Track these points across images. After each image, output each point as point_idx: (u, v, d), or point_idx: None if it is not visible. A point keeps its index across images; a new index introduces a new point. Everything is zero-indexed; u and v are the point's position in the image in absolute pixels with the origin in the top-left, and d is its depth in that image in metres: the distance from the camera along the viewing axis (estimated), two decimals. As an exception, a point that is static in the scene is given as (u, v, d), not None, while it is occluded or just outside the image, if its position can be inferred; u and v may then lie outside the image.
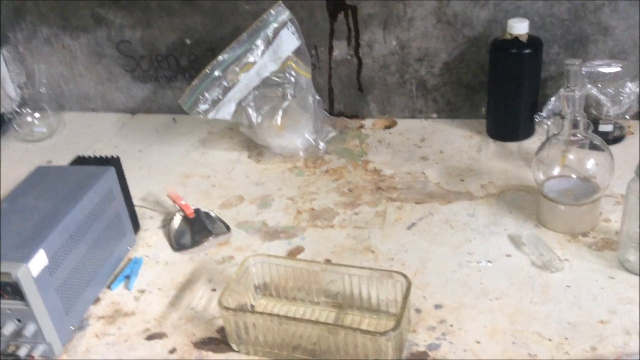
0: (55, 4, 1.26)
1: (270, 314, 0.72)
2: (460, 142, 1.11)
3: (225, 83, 1.08)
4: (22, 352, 0.72)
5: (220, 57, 1.08)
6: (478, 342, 0.71)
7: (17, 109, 1.26)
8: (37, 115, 1.26)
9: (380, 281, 0.74)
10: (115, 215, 0.88)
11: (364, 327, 0.74)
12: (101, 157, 0.91)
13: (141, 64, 1.29)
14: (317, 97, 1.13)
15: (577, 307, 0.74)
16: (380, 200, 0.98)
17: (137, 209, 0.96)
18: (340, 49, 1.18)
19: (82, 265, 0.79)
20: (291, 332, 0.70)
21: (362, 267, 0.75)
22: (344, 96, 1.22)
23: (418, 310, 0.76)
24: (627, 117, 1.05)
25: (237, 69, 1.07)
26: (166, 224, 0.97)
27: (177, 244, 0.92)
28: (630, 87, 1.01)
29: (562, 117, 0.84)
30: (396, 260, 0.85)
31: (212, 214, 0.96)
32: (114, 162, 0.90)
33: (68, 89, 1.35)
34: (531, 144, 1.07)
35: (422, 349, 0.71)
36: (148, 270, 0.88)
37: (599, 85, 1.02)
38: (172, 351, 0.74)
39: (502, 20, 1.05)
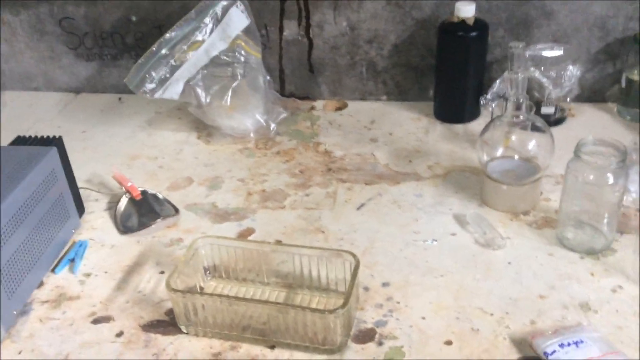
0: (-8, -23, 1.20)
1: (219, 295, 0.72)
2: (409, 124, 1.13)
3: (172, 62, 1.05)
4: (-39, 338, 0.69)
5: (167, 35, 1.05)
6: (423, 318, 0.73)
7: (-48, 87, 1.20)
8: (-26, 94, 1.21)
9: (329, 260, 0.74)
10: (59, 198, 0.85)
11: (313, 306, 0.74)
12: (43, 137, 0.88)
13: (85, 41, 1.24)
14: (268, 78, 1.12)
15: (518, 283, 0.77)
16: (330, 181, 0.99)
17: (81, 191, 0.93)
18: (291, 29, 1.17)
19: (24, 249, 0.77)
20: (241, 313, 0.71)
21: (312, 247, 0.76)
22: (295, 77, 1.22)
23: (366, 289, 0.77)
24: (569, 99, 1.08)
25: (185, 48, 1.05)
26: (112, 206, 0.95)
27: (124, 227, 0.90)
28: (572, 70, 1.05)
29: (506, 99, 0.86)
30: (346, 240, 0.86)
31: (160, 196, 0.95)
32: (57, 143, 0.87)
33: (8, 67, 1.29)
34: (477, 126, 1.10)
35: (370, 325, 0.72)
36: (93, 253, 0.86)
37: (542, 68, 1.05)
38: (120, 334, 0.73)
39: (450, 3, 1.07)
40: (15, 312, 0.75)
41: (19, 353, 0.71)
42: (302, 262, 0.76)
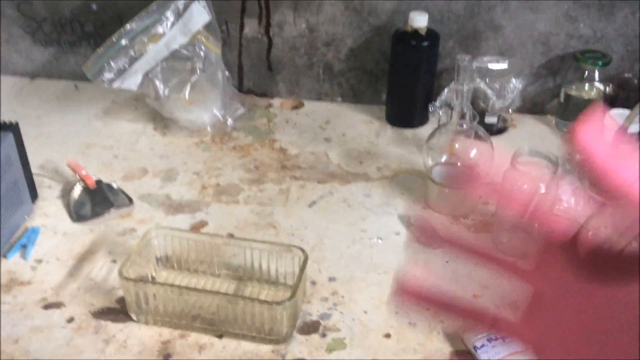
0: (-53, -45, 1.18)
1: (170, 285, 0.75)
2: (362, 126, 1.18)
3: (132, 53, 1.07)
4: None
5: (128, 26, 1.06)
6: (365, 312, 0.77)
7: None
8: None
9: (279, 255, 0.78)
10: (12, 183, 0.86)
11: (262, 298, 0.78)
12: (-2, 123, 0.89)
13: (43, 26, 1.23)
14: (227, 74, 1.14)
15: (454, 282, 0.82)
16: (284, 178, 1.02)
17: (35, 178, 0.94)
18: (251, 27, 1.20)
19: (-25, 234, 0.77)
20: (191, 303, 0.73)
21: (263, 242, 0.79)
22: (254, 74, 1.25)
23: (313, 283, 0.81)
24: (511, 110, 1.15)
25: (145, 39, 1.07)
26: (65, 194, 0.95)
27: (77, 215, 0.91)
28: (515, 83, 1.11)
29: (451, 108, 0.92)
30: (296, 235, 0.90)
31: (114, 186, 0.97)
32: (12, 128, 0.88)
33: (-40, 48, 1.27)
34: (425, 131, 1.14)
35: (315, 318, 0.76)
36: (46, 240, 0.87)
37: (487, 79, 1.11)
38: (70, 320, 0.75)
39: (405, 12, 1.11)
40: (-36, 296, 0.76)
41: (-32, 336, 0.72)
42: (252, 256, 0.79)
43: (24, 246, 0.85)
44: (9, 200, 0.85)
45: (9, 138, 0.85)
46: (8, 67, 1.28)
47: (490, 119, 1.13)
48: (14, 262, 0.83)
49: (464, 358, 0.72)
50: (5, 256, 0.84)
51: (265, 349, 0.72)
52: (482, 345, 0.71)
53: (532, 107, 1.21)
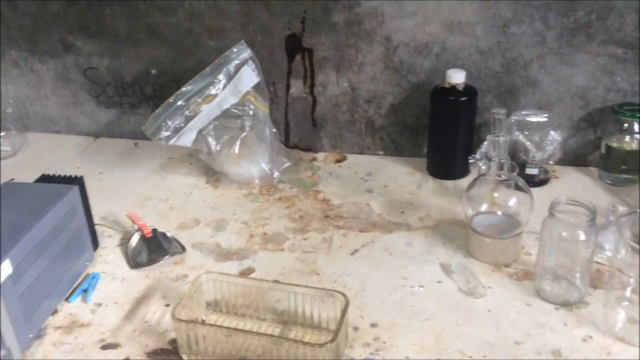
0: (26, 29, 1.31)
1: (219, 326, 0.79)
2: (403, 178, 1.21)
3: (187, 112, 1.15)
4: (-19, 357, 0.76)
5: (184, 88, 1.15)
6: (407, 358, 0.79)
7: (-19, 127, 1.30)
8: (1, 134, 1.30)
9: (322, 300, 0.81)
10: (77, 232, 0.93)
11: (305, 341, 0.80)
12: (65, 176, 0.97)
13: (107, 90, 1.35)
14: (274, 130, 1.21)
15: (496, 329, 0.83)
16: (327, 227, 1.06)
17: (97, 227, 1.01)
18: (297, 87, 1.27)
19: (43, 277, 0.84)
20: (238, 344, 0.77)
21: (306, 286, 0.82)
22: (299, 130, 1.31)
23: (356, 328, 0.84)
24: (551, 162, 1.17)
25: (199, 100, 1.15)
26: (124, 242, 1.02)
27: (134, 262, 0.97)
28: (554, 135, 1.13)
29: (490, 160, 0.95)
30: (339, 282, 0.92)
31: (169, 235, 1.02)
32: (78, 182, 0.96)
33: (33, 111, 1.39)
34: (466, 182, 1.17)
35: (356, 362, 0.78)
36: (105, 285, 0.93)
37: (526, 132, 1.13)
38: (126, 360, 0.79)
39: (443, 69, 1.17)
40: (31, 336, 0.81)
41: (32, 373, 0.77)
42: (296, 300, 0.82)
43: (85, 291, 0.91)
44: (73, 248, 0.92)
45: (75, 191, 0.93)
46: (74, 127, 1.40)
47: (531, 171, 1.15)
48: (75, 305, 0.89)
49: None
50: (67, 300, 0.89)
51: (308, 390, 0.74)
52: (524, 391, 0.71)
53: (574, 159, 1.23)
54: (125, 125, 1.37)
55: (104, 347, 0.81)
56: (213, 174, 1.22)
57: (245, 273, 0.95)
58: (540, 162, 1.15)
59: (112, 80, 1.33)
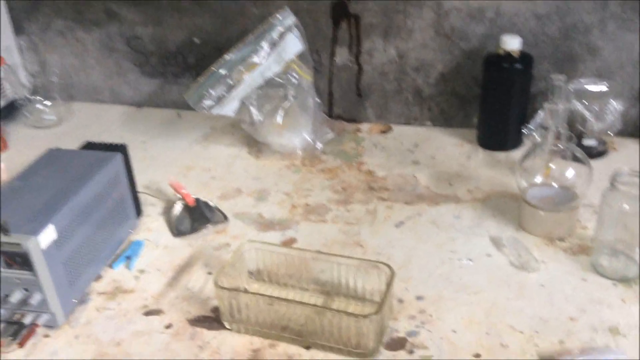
0: (71, -2, 1.31)
1: (262, 295, 0.77)
2: (451, 149, 1.17)
3: (230, 81, 1.13)
4: (27, 319, 0.76)
5: (226, 57, 1.13)
6: (454, 332, 0.76)
7: (28, 96, 1.31)
8: (47, 103, 1.32)
9: (366, 271, 0.79)
10: (120, 199, 0.92)
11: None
12: (109, 144, 0.96)
13: (150, 59, 1.34)
14: (317, 100, 1.18)
15: (549, 304, 0.79)
16: (371, 199, 1.03)
17: (140, 195, 1.01)
18: (342, 55, 1.23)
19: (87, 243, 0.84)
20: (281, 313, 0.75)
21: (350, 257, 0.80)
22: (343, 100, 1.28)
23: (401, 301, 0.81)
24: (611, 133, 1.10)
25: (242, 69, 1.13)
26: (167, 211, 1.01)
27: (177, 230, 0.97)
28: (614, 105, 1.07)
29: (546, 129, 0.89)
30: (383, 254, 0.90)
31: (211, 204, 1.01)
32: (121, 149, 0.95)
33: (78, 80, 1.40)
34: (519, 154, 1.12)
35: (402, 335, 0.75)
36: (148, 252, 0.93)
37: (585, 102, 1.07)
38: (169, 326, 0.78)
39: (497, 35, 1.11)
40: (74, 301, 0.82)
41: (76, 337, 0.78)
42: (340, 271, 0.80)
43: (129, 257, 0.91)
44: (116, 215, 0.92)
45: (118, 158, 0.92)
46: (118, 97, 1.40)
47: (589, 142, 1.09)
48: (119, 272, 0.89)
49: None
50: (111, 266, 0.90)
51: (352, 362, 0.72)
52: (580, 370, 0.67)
53: (634, 130, 1.16)
54: (168, 95, 1.37)
55: (147, 313, 0.81)
56: (255, 144, 1.20)
57: (288, 243, 0.93)
58: (599, 133, 1.09)
59: (156, 50, 1.32)
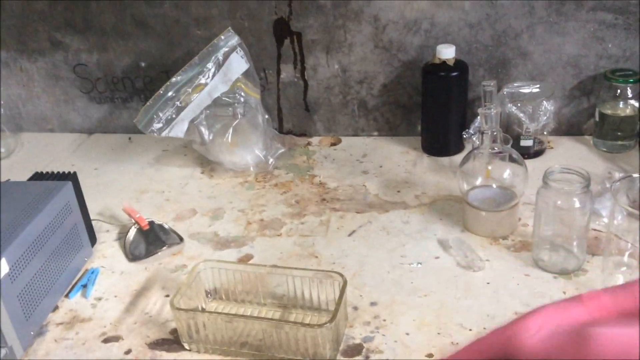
0: (13, 28, 1.30)
1: (218, 313, 0.79)
2: (398, 157, 1.21)
3: (178, 103, 1.14)
4: (-16, 356, 0.76)
5: (173, 79, 1.15)
6: (407, 334, 0.79)
7: (-26, 129, 1.30)
8: (-6, 135, 1.31)
9: (320, 281, 0.81)
10: (73, 228, 0.93)
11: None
12: (58, 173, 0.97)
13: (97, 85, 1.34)
14: (267, 116, 1.21)
15: (495, 301, 0.83)
16: (324, 210, 1.06)
17: (94, 223, 1.01)
18: (287, 72, 1.26)
19: (41, 274, 0.84)
20: (239, 330, 0.77)
21: (304, 269, 0.83)
22: (292, 115, 1.31)
23: (355, 308, 0.84)
24: (546, 132, 1.16)
25: (190, 90, 1.14)
26: (122, 236, 1.02)
27: (132, 255, 0.97)
28: (547, 105, 1.13)
29: (482, 133, 0.94)
30: (337, 264, 0.93)
31: (166, 226, 1.02)
32: (71, 177, 0.95)
33: (25, 110, 1.39)
34: (460, 158, 1.17)
35: (357, 341, 0.78)
36: (104, 279, 0.93)
37: (519, 104, 1.13)
38: (128, 352, 0.79)
39: (433, 45, 1.16)
40: (32, 333, 0.82)
41: (36, 370, 0.78)
42: (295, 284, 0.82)
43: (85, 286, 0.91)
44: (70, 244, 0.92)
45: (68, 187, 0.93)
46: (67, 125, 1.39)
47: (526, 142, 1.15)
48: (75, 301, 0.89)
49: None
50: (67, 296, 0.90)
51: (310, 371, 0.74)
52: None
53: (569, 128, 1.22)
54: (118, 120, 1.37)
55: (106, 341, 0.82)
56: (208, 164, 1.22)
57: (244, 260, 0.95)
58: (535, 133, 1.15)
59: (103, 76, 1.33)
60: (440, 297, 0.84)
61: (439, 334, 0.79)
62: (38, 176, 0.97)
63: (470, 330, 0.79)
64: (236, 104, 1.16)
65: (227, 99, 1.16)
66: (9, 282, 0.77)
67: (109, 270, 0.95)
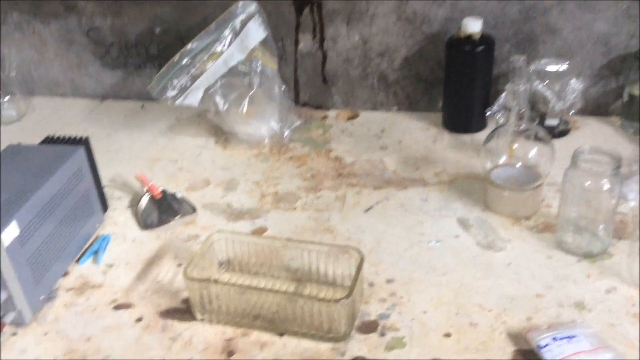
0: (27, -10, 1.28)
1: (232, 284, 0.77)
2: (418, 133, 1.18)
3: (193, 71, 1.12)
4: (-7, 319, 0.75)
5: (188, 46, 1.12)
6: (424, 312, 0.77)
7: (-15, 92, 1.28)
8: (6, 98, 1.28)
9: (336, 256, 0.79)
10: (84, 194, 0.91)
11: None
12: (70, 138, 0.94)
13: (111, 51, 1.31)
14: (283, 87, 1.17)
15: (516, 282, 0.81)
16: (340, 185, 1.03)
17: (105, 190, 0.99)
18: (306, 42, 1.23)
19: (52, 239, 0.82)
20: (252, 302, 0.75)
21: (320, 243, 0.80)
22: (309, 87, 1.27)
23: (371, 284, 0.82)
24: (572, 112, 1.12)
25: (205, 58, 1.11)
26: (134, 204, 1.00)
27: (144, 223, 0.95)
28: (574, 84, 1.09)
29: (508, 110, 0.91)
30: (353, 239, 0.90)
31: (179, 195, 1.00)
32: (83, 143, 0.93)
33: (38, 74, 1.37)
34: (483, 136, 1.13)
35: (373, 318, 0.76)
36: (116, 246, 0.91)
37: (546, 82, 1.09)
38: (139, 320, 0.78)
39: (458, 18, 1.12)
40: (42, 298, 0.80)
41: (45, 334, 0.76)
42: (310, 258, 0.80)
43: (96, 252, 0.90)
44: (82, 210, 0.90)
45: (80, 152, 0.90)
46: (80, 90, 1.37)
47: (551, 122, 1.11)
48: (86, 267, 0.88)
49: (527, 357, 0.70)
50: (78, 262, 0.88)
51: (325, 347, 0.72)
52: (547, 345, 0.69)
53: (595, 108, 1.18)
54: (131, 87, 1.34)
55: (117, 307, 0.80)
56: (222, 134, 1.19)
57: (258, 232, 0.93)
58: (561, 112, 1.11)
59: (116, 41, 1.30)
60: (460, 277, 0.82)
61: (457, 314, 0.76)
62: (50, 140, 0.95)
63: (490, 311, 0.76)
64: (252, 74, 1.13)
65: (243, 68, 1.13)
66: (19, 246, 0.75)
67: (121, 237, 0.93)
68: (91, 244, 0.91)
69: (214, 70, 1.12)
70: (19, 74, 1.33)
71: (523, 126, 0.91)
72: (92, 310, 0.80)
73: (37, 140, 0.96)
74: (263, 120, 1.16)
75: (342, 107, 1.28)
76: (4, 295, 0.74)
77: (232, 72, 1.13)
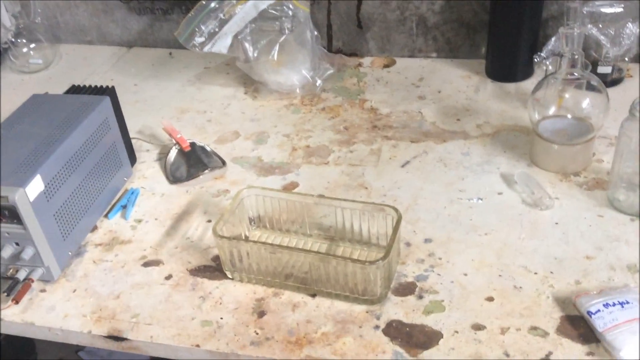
0: None
1: (263, 243, 0.74)
2: (459, 82, 1.11)
3: (221, 15, 1.06)
4: (21, 275, 0.73)
5: (217, -12, 1.06)
6: (465, 274, 0.73)
7: (12, 39, 1.24)
8: (32, 46, 1.25)
9: (371, 215, 0.75)
10: (111, 146, 0.88)
11: (354, 258, 0.75)
12: (96, 87, 0.91)
13: (137, -5, 1.26)
14: (316, 33, 1.11)
15: (564, 243, 0.76)
16: (375, 138, 0.98)
17: (133, 141, 0.96)
18: (340, -16, 1.16)
19: (79, 193, 0.80)
20: (284, 261, 0.72)
21: (354, 201, 0.76)
22: (343, 33, 1.21)
23: (408, 244, 0.78)
24: (627, 59, 1.04)
25: (234, 1, 1.06)
26: (162, 156, 0.97)
27: (173, 177, 0.93)
28: (631, 28, 1.00)
29: (561, 56, 0.83)
30: (389, 196, 0.86)
31: (208, 148, 0.97)
32: (109, 92, 0.90)
33: (63, 20, 1.33)
34: (530, 85, 1.07)
35: (410, 279, 0.73)
36: (145, 201, 0.89)
37: (600, 25, 1.00)
38: (168, 277, 0.76)
39: (506, -44, 1.03)
40: (70, 253, 0.79)
41: (74, 291, 0.75)
42: (344, 216, 0.76)
43: (124, 207, 0.88)
44: (109, 163, 0.87)
45: (106, 102, 0.87)
46: (106, 37, 1.33)
47: (604, 69, 1.03)
48: (115, 222, 0.86)
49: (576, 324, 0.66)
50: (107, 216, 0.86)
51: (359, 309, 0.69)
52: (598, 311, 0.64)
53: (652, 55, 1.09)
54: (158, 33, 1.30)
55: (146, 264, 0.78)
56: (252, 84, 1.15)
57: (289, 188, 0.89)
58: (614, 59, 1.03)
59: (142, -15, 1.25)
60: (503, 237, 0.77)
61: (500, 276, 0.72)
62: (75, 89, 0.92)
63: (536, 274, 0.72)
64: (284, 18, 1.07)
65: (274, 12, 1.07)
66: (45, 200, 0.73)
67: (150, 191, 0.91)
68: (120, 198, 0.89)
69: (243, 14, 1.07)
70: (44, 20, 1.30)
71: (575, 74, 0.84)
72: (121, 266, 0.78)
73: (63, 88, 0.93)
74: (294, 69, 1.10)
75: (378, 53, 1.21)
76: (30, 252, 0.72)
77: (262, 16, 1.07)
